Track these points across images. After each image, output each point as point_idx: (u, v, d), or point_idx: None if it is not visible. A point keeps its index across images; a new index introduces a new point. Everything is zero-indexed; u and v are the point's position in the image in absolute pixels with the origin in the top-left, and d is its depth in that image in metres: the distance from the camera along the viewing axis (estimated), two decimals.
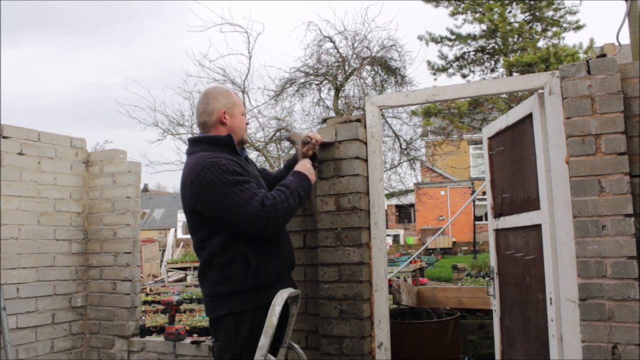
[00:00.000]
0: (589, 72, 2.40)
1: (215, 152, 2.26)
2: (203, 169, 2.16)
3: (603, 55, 2.41)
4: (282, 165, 2.92)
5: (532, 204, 2.73)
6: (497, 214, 3.22)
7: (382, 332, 2.88)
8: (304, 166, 2.47)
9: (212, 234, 2.25)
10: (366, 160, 2.98)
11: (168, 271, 13.64)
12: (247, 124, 2.52)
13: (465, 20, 12.73)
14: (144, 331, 3.92)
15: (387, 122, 10.63)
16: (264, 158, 9.99)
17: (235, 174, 2.16)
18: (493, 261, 3.29)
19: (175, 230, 20.82)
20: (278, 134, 10.42)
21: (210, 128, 2.37)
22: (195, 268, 12.91)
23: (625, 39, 3.20)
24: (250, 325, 2.21)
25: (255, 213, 2.12)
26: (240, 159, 2.34)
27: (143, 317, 5.35)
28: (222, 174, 2.14)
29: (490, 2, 11.86)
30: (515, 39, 12.07)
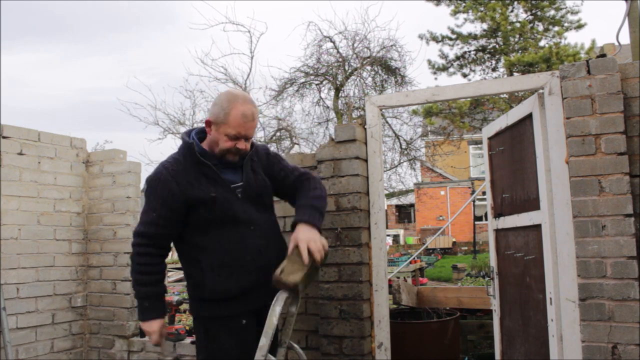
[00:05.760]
0: (589, 72, 2.40)
1: (179, 157, 2.29)
2: (154, 169, 2.31)
3: (603, 55, 2.41)
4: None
5: (532, 204, 2.73)
6: (497, 214, 3.22)
7: (382, 332, 2.88)
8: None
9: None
10: (366, 160, 2.98)
11: (168, 271, 13.63)
12: (230, 148, 2.21)
13: (466, 19, 12.71)
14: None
15: (387, 122, 10.62)
16: None
17: (151, 194, 2.26)
18: (493, 261, 3.29)
19: None
20: (278, 133, 10.42)
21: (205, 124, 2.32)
22: None
23: (625, 39, 3.20)
24: (222, 331, 2.23)
25: (134, 231, 2.31)
26: (202, 169, 2.23)
27: None
28: (148, 184, 2.28)
29: (493, 1, 11.84)
30: (516, 39, 12.05)
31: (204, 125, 2.32)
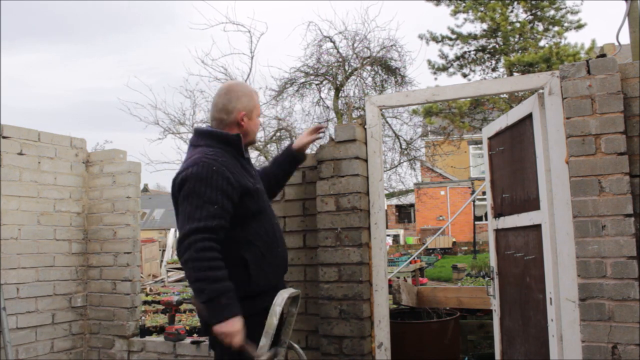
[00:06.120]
0: (589, 72, 2.40)
1: (219, 150, 2.22)
2: (196, 163, 2.14)
3: (603, 55, 2.41)
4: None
5: (532, 204, 2.73)
6: (497, 214, 3.22)
7: (382, 332, 2.88)
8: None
9: None
10: (366, 160, 2.98)
11: (168, 271, 13.65)
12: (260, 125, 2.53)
13: (466, 19, 12.71)
14: (144, 331, 3.92)
15: (387, 122, 10.63)
16: (263, 158, 10.00)
17: (207, 187, 2.10)
18: (493, 261, 3.29)
19: (176, 231, 20.79)
20: (278, 133, 10.42)
21: (225, 127, 2.32)
22: None
23: (625, 39, 3.21)
24: (248, 331, 2.19)
25: (188, 230, 2.06)
26: (242, 161, 2.32)
27: (143, 317, 5.36)
28: (197, 179, 2.11)
29: (493, 1, 11.84)
30: (516, 39, 12.05)
31: (207, 124, 2.39)
